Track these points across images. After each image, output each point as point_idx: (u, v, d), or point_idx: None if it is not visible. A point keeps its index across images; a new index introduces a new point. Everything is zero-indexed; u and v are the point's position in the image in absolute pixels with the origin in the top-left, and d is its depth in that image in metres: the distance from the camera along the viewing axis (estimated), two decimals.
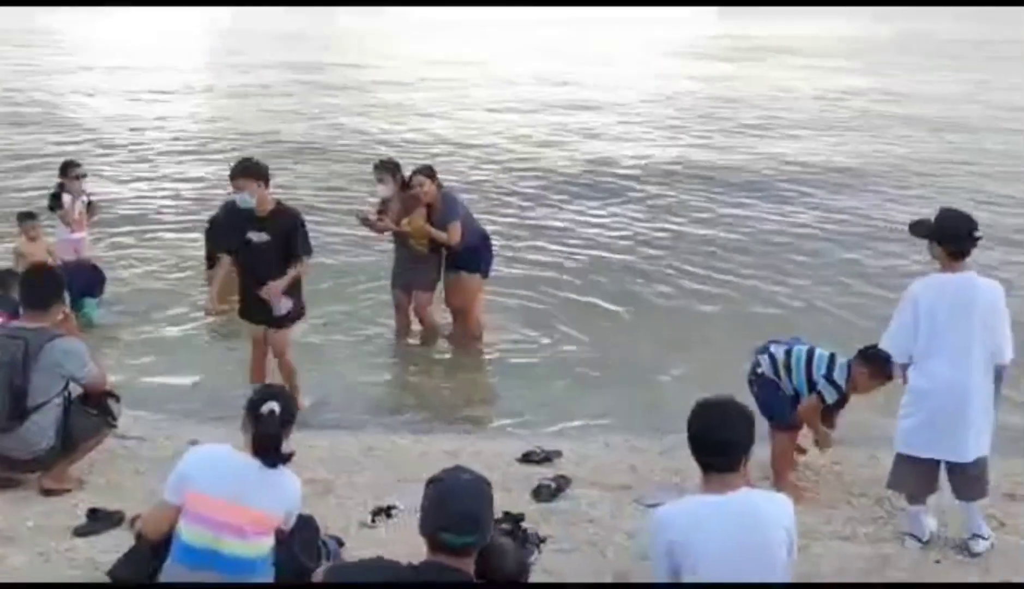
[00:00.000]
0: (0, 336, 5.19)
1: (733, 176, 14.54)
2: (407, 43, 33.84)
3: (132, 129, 17.59)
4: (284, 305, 6.80)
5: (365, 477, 5.81)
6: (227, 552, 3.94)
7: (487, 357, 8.34)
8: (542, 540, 4.81)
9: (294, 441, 6.24)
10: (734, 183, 14.16)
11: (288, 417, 4.08)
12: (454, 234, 8.07)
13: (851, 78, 25.58)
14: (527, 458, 6.10)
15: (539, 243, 11.20)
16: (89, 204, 9.36)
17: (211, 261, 9.16)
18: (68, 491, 5.35)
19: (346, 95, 22.09)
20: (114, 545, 4.70)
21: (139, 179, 14.03)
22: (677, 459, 6.24)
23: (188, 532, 3.97)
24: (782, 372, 5.65)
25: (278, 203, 6.79)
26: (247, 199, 6.56)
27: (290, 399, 4.15)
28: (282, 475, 4.07)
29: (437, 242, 8.08)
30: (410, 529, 4.91)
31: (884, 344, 5.06)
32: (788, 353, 5.68)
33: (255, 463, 4.02)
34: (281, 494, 4.06)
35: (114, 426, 5.49)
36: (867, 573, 4.48)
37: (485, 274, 8.44)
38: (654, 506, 5.43)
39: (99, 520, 4.95)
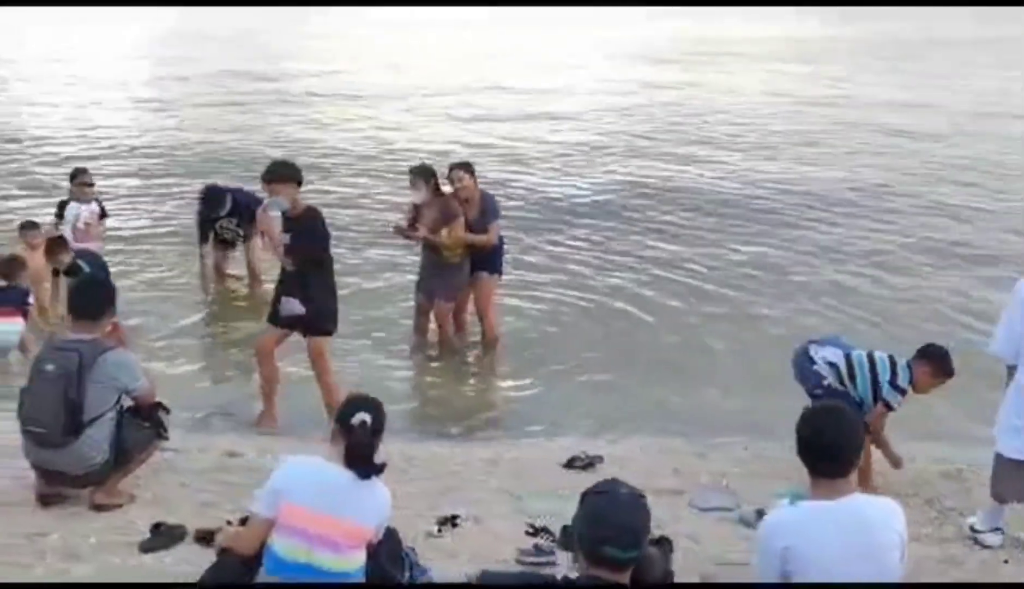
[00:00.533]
0: (54, 349, 5.10)
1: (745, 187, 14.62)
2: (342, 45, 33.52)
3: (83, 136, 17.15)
4: (295, 308, 6.71)
5: (414, 487, 5.78)
6: (321, 565, 3.93)
7: (507, 362, 8.37)
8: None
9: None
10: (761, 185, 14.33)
11: (379, 427, 4.07)
12: (494, 234, 8.16)
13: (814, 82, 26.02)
14: (571, 464, 6.14)
15: (558, 249, 11.28)
16: (102, 213, 9.23)
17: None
18: (120, 506, 5.27)
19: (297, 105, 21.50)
20: (183, 559, 4.68)
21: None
22: (715, 461, 6.43)
23: (282, 545, 3.95)
24: (847, 381, 5.72)
25: (307, 205, 6.74)
26: (282, 203, 6.51)
27: (380, 408, 4.13)
28: (374, 486, 4.06)
29: (471, 250, 8.10)
30: (474, 538, 5.06)
31: (994, 346, 5.03)
32: (848, 360, 5.75)
33: (348, 475, 4.01)
34: (374, 506, 4.05)
35: (165, 438, 5.43)
36: (941, 574, 4.58)
37: (501, 273, 8.54)
38: (710, 510, 5.59)
39: (163, 535, 4.88)
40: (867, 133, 18.42)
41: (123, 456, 5.22)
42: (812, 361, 5.92)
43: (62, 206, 9.33)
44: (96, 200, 9.41)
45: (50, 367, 5.02)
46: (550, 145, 17.17)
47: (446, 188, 8.15)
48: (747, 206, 13.20)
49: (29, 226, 9.04)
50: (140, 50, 31.36)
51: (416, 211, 8.21)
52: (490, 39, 36.41)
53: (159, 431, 5.37)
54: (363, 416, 4.04)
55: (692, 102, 21.69)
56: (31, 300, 7.78)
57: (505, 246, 8.67)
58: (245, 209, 9.13)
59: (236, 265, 9.89)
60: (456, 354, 8.37)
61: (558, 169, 15.34)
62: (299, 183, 6.61)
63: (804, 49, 32.81)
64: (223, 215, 9.42)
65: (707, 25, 41.94)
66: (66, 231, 9.05)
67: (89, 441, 5.07)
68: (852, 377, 5.71)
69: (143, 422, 5.30)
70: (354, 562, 4.00)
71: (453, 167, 8.25)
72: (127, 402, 5.31)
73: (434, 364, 8.31)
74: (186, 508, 5.30)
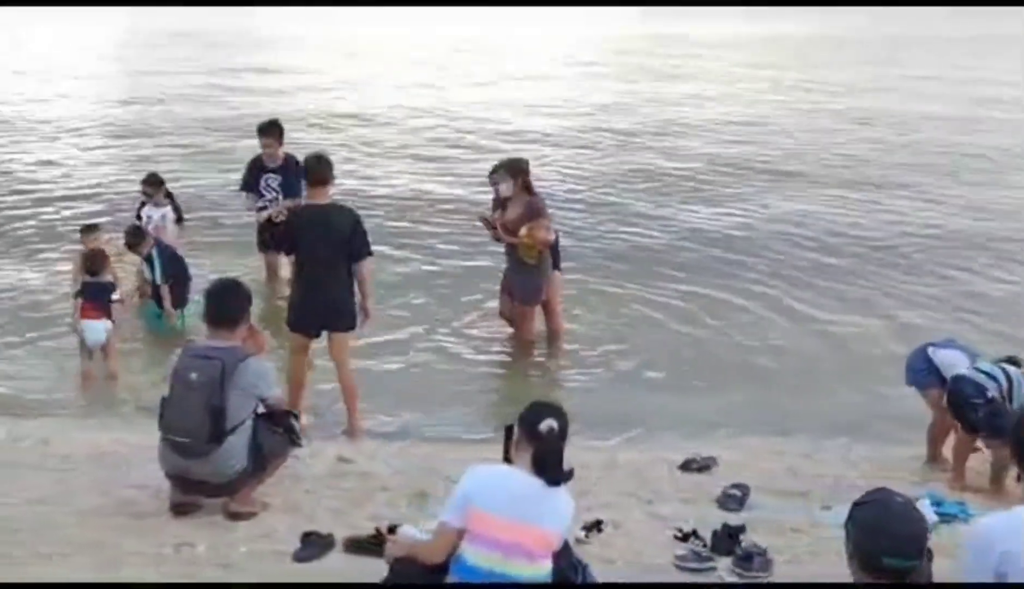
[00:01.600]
0: (195, 357, 5.05)
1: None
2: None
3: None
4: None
5: None
6: (516, 573, 3.91)
7: (582, 362, 8.33)
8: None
9: (433, 454, 6.35)
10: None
11: (565, 432, 4.06)
12: (550, 231, 8.16)
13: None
14: (687, 467, 6.14)
15: (621, 245, 11.31)
16: (177, 217, 9.16)
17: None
18: (255, 514, 5.25)
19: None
20: (341, 569, 4.64)
21: None
22: (827, 463, 6.45)
23: (474, 554, 3.93)
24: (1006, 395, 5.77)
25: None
26: None
27: (564, 413, 4.11)
28: (560, 493, 4.05)
29: (545, 252, 8.10)
30: (621, 543, 5.06)
31: None
32: (1008, 377, 5.79)
33: (537, 482, 3.99)
34: (562, 512, 4.04)
35: (299, 445, 5.38)
36: None
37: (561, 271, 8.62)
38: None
39: (314, 544, 4.85)
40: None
41: (259, 464, 5.19)
42: (930, 363, 5.97)
43: (141, 207, 9.46)
44: (171, 203, 9.35)
45: (194, 375, 4.98)
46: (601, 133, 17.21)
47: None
48: (811, 212, 13.18)
49: (88, 229, 8.97)
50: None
51: (502, 206, 8.20)
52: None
53: (292, 438, 5.33)
54: (551, 422, 4.03)
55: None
56: (116, 296, 7.73)
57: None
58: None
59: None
60: (533, 356, 8.34)
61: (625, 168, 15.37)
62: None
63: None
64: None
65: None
66: None
67: (230, 449, 5.04)
68: (1010, 395, 5.76)
69: (277, 429, 5.26)
70: (544, 568, 4.00)
71: (501, 166, 8.30)
72: (260, 409, 5.28)
73: (515, 365, 8.30)
74: (321, 515, 5.30)
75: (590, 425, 7.21)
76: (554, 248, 8.36)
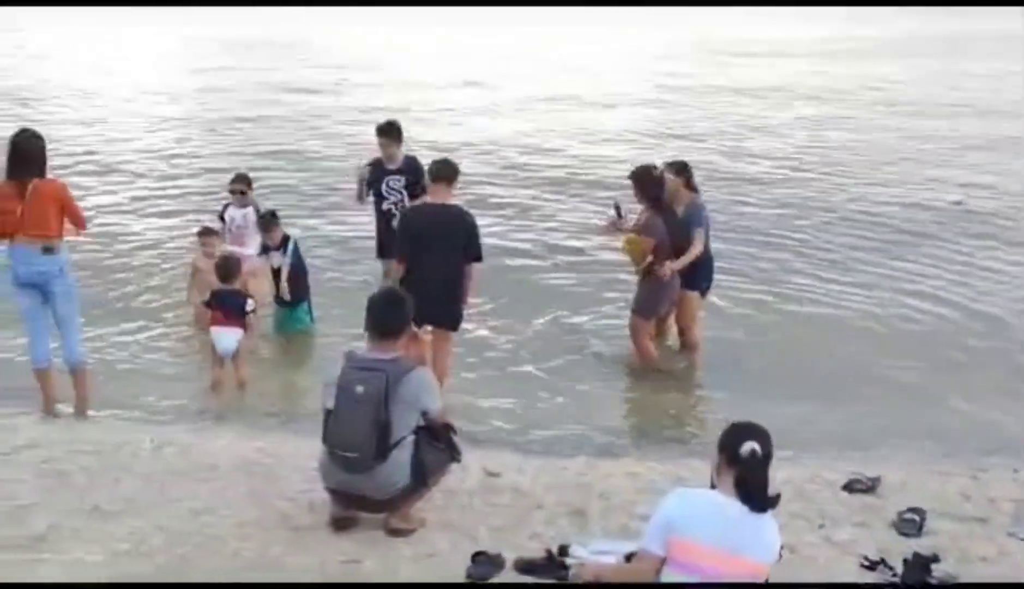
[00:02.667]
0: (359, 369, 4.96)
1: None
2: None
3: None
4: None
5: None
6: None
7: (718, 376, 8.13)
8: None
9: (581, 470, 6.19)
10: None
11: (769, 454, 3.86)
12: (699, 244, 7.90)
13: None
14: (851, 488, 5.89)
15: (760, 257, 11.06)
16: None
17: None
18: (414, 530, 5.14)
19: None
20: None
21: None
22: (996, 485, 6.13)
23: (674, 581, 3.76)
24: None
25: None
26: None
27: (767, 435, 3.91)
28: (766, 520, 3.86)
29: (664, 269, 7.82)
30: (801, 568, 4.87)
31: None
32: None
33: (742, 508, 3.80)
34: (769, 541, 3.85)
35: (458, 461, 5.26)
36: None
37: (704, 292, 8.28)
38: None
39: (484, 564, 4.72)
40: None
41: (421, 480, 5.09)
42: None
43: (224, 209, 9.41)
44: (254, 205, 9.32)
45: (360, 389, 4.89)
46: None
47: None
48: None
49: (206, 232, 9.02)
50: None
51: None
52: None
53: (453, 454, 5.21)
54: (752, 445, 3.84)
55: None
56: (250, 307, 7.71)
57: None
58: None
59: None
60: (657, 370, 8.12)
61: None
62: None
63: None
64: None
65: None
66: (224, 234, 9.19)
67: (394, 464, 4.95)
68: None
69: (438, 444, 5.15)
70: None
71: (668, 165, 8.13)
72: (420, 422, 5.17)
73: (644, 378, 8.11)
74: (482, 533, 5.18)
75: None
76: (701, 265, 8.07)
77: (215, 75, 26.15)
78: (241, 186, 9.30)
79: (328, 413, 4.98)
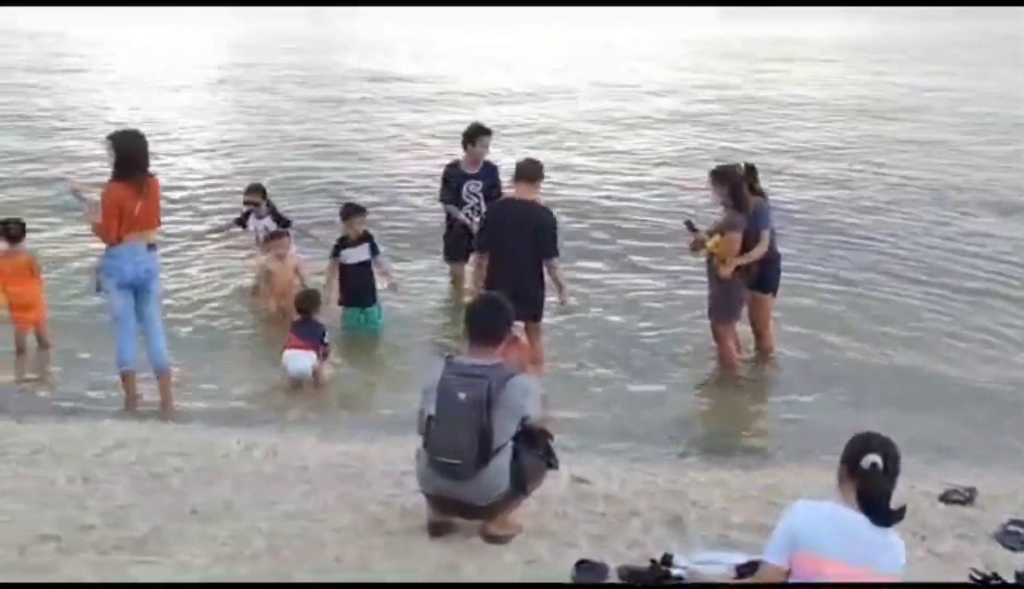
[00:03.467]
0: (461, 375, 4.95)
1: None
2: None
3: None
4: None
5: None
6: None
7: (793, 381, 8.05)
8: None
9: (672, 477, 6.15)
10: None
11: (894, 467, 3.81)
12: (764, 244, 7.81)
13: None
14: (948, 498, 5.80)
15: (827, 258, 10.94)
16: (285, 224, 9.33)
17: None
18: (511, 537, 5.13)
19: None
20: None
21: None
22: None
23: None
24: None
25: None
26: None
27: (892, 446, 3.86)
28: (890, 535, 3.81)
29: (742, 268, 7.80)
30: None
31: None
32: None
33: (865, 522, 3.76)
34: (892, 556, 3.80)
35: (555, 467, 5.25)
36: None
37: (775, 292, 8.21)
38: None
39: (588, 571, 4.71)
40: None
41: (519, 487, 5.07)
42: None
43: (245, 217, 9.59)
44: (272, 214, 9.46)
45: (462, 395, 4.88)
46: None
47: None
48: None
49: (276, 236, 9.07)
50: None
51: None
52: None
53: (550, 461, 5.20)
54: (873, 457, 3.80)
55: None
56: (327, 339, 7.80)
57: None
58: None
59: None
60: (734, 379, 8.08)
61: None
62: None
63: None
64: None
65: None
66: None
67: (495, 472, 4.94)
68: None
69: (536, 450, 5.14)
70: None
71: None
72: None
73: (713, 384, 8.09)
74: (581, 541, 5.17)
75: (823, 448, 6.97)
76: (768, 266, 8.00)
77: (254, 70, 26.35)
78: (255, 197, 9.41)
79: (429, 419, 4.98)
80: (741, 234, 7.71)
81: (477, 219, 9.03)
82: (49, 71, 25.41)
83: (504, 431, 4.94)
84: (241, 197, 9.96)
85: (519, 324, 7.11)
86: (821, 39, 36.56)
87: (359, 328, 8.70)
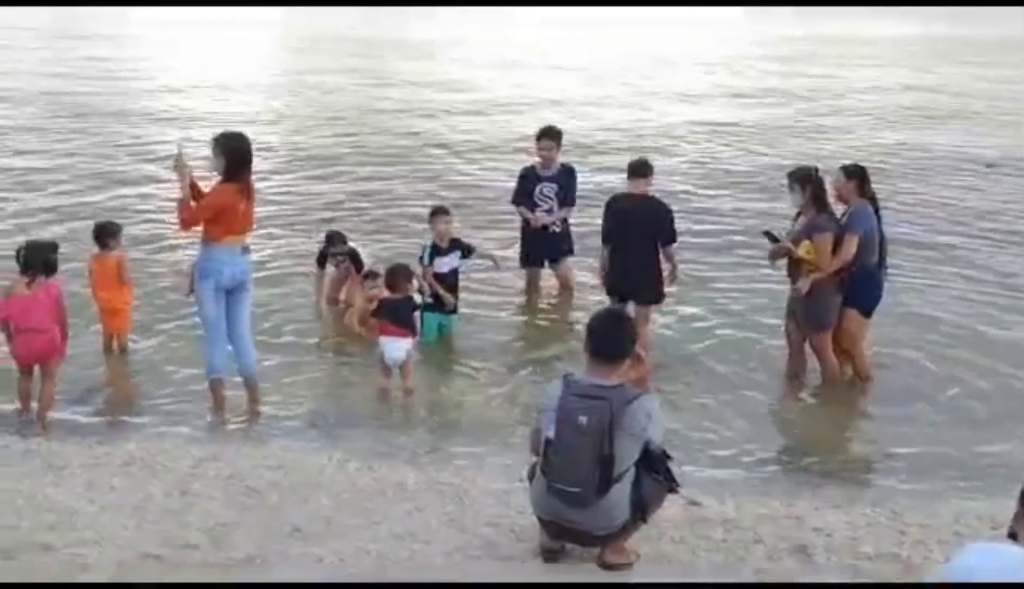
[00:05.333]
0: (582, 397, 4.70)
1: None
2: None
3: None
4: None
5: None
6: None
7: (905, 400, 7.66)
8: None
9: (788, 501, 5.84)
10: None
11: None
12: (848, 249, 7.40)
13: None
14: None
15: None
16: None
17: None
18: (630, 565, 4.89)
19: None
20: None
21: None
22: None
23: None
24: None
25: None
26: None
27: None
28: None
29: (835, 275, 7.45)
30: None
31: None
32: None
33: None
34: None
35: (676, 491, 4.98)
36: None
37: (868, 313, 7.76)
38: None
39: None
40: None
41: (639, 514, 4.82)
42: None
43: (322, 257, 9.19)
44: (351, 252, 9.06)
45: (583, 419, 4.64)
46: None
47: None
48: None
49: (370, 276, 8.59)
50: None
51: (795, 219, 7.74)
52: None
53: (671, 484, 4.93)
54: None
55: None
56: (418, 300, 7.71)
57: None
58: None
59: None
60: (837, 393, 7.74)
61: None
62: None
63: None
64: None
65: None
66: None
67: (615, 500, 4.70)
68: None
69: (657, 475, 4.87)
70: None
71: (842, 168, 7.75)
72: None
73: (818, 401, 7.74)
74: (704, 567, 4.94)
75: (943, 472, 6.62)
76: (861, 280, 7.54)
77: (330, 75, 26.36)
78: (340, 248, 8.99)
79: (548, 443, 4.74)
80: (832, 236, 7.37)
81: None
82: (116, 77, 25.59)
83: (626, 457, 4.69)
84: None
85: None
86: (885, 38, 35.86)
87: (438, 334, 8.50)
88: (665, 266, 8.17)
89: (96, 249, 8.03)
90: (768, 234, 7.79)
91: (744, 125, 19.01)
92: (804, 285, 7.42)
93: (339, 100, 21.86)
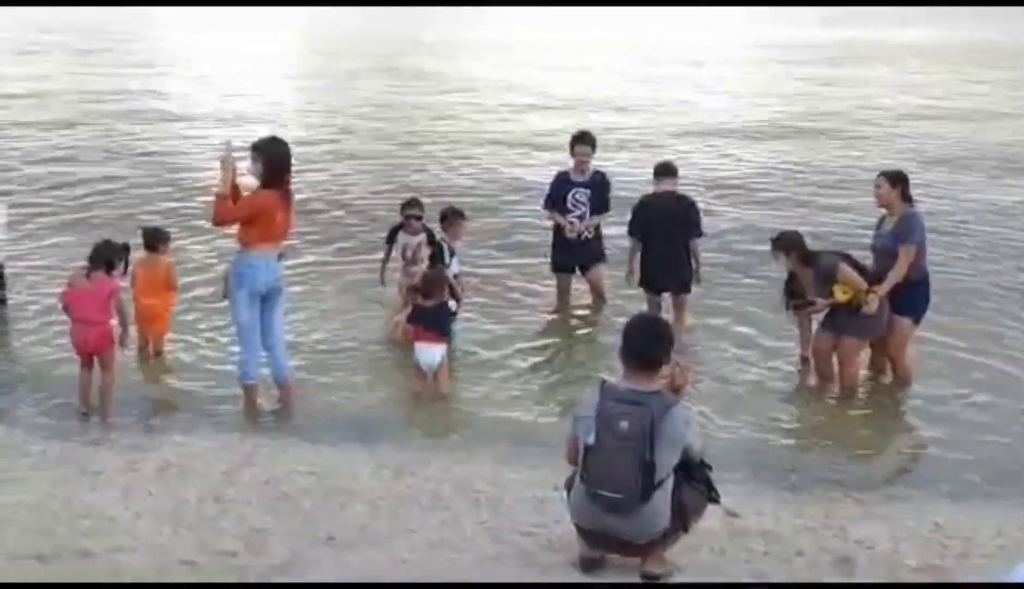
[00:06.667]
0: (621, 403, 4.64)
1: None
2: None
3: None
4: None
5: None
6: None
7: (940, 407, 7.53)
8: None
9: (826, 508, 5.74)
10: None
11: None
12: (905, 260, 7.37)
13: None
14: None
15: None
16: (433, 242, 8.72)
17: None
18: (671, 575, 4.83)
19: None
20: None
21: None
22: None
23: None
24: None
25: None
26: None
27: None
28: None
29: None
30: None
31: None
32: None
33: None
34: None
35: (717, 502, 4.91)
36: None
37: (917, 320, 7.69)
38: None
39: None
40: None
41: (680, 523, 4.76)
42: None
43: (391, 232, 9.02)
44: (427, 232, 8.86)
45: (624, 424, 4.58)
46: None
47: None
48: None
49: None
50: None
51: (794, 280, 7.72)
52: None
53: (712, 494, 4.87)
54: None
55: None
56: (453, 307, 7.72)
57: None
58: None
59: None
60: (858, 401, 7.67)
61: None
62: None
63: None
64: None
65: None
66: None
67: (656, 507, 4.64)
68: None
69: (697, 484, 4.81)
70: None
71: (882, 174, 7.65)
72: None
73: (841, 407, 7.63)
74: (747, 579, 4.81)
75: (984, 483, 6.49)
76: (914, 287, 7.52)
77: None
78: (415, 211, 8.86)
79: (587, 450, 4.69)
80: (844, 264, 7.43)
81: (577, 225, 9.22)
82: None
83: (666, 464, 4.63)
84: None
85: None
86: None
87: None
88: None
89: (143, 254, 8.08)
90: (796, 307, 7.76)
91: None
92: (873, 303, 7.35)
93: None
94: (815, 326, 7.87)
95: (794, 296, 7.74)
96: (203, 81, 25.15)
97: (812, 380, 7.82)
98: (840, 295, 7.41)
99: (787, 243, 7.68)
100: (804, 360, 7.95)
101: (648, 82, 24.97)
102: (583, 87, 24.01)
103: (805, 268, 7.57)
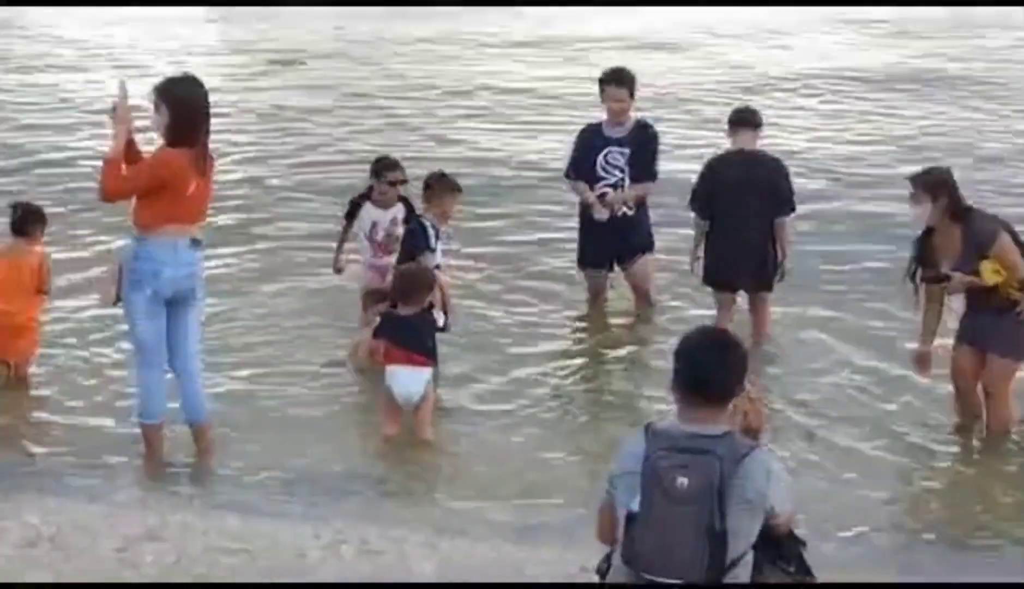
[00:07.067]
0: (677, 452, 4.59)
1: None
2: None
3: None
4: None
5: None
6: None
7: None
8: None
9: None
10: None
11: None
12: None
13: None
14: None
15: None
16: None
17: None
18: None
19: None
20: None
21: None
22: None
23: None
24: None
25: None
26: None
27: None
28: None
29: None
30: None
31: None
32: None
33: None
34: None
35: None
36: None
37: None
38: None
39: None
40: None
41: None
42: None
43: (352, 207, 9.11)
44: (406, 205, 8.98)
45: (682, 480, 4.55)
46: None
47: None
48: None
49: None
50: None
51: (929, 242, 7.64)
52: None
53: (806, 578, 4.86)
54: None
55: None
56: (441, 323, 7.71)
57: None
58: None
59: None
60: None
61: None
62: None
63: None
64: None
65: None
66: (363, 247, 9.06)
67: None
68: None
69: (786, 566, 4.82)
70: None
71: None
72: None
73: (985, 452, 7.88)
74: None
75: None
76: None
77: None
78: (396, 174, 8.93)
79: (630, 520, 4.66)
80: (1007, 236, 7.45)
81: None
82: None
83: (743, 534, 4.61)
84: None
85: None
86: None
87: None
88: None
89: (6, 240, 8.28)
90: (927, 279, 7.70)
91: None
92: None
93: None
94: (950, 322, 7.91)
95: (926, 266, 7.67)
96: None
97: (955, 415, 7.92)
98: (989, 275, 7.39)
99: (936, 182, 7.55)
100: (922, 361, 7.94)
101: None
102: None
103: (953, 225, 7.50)
